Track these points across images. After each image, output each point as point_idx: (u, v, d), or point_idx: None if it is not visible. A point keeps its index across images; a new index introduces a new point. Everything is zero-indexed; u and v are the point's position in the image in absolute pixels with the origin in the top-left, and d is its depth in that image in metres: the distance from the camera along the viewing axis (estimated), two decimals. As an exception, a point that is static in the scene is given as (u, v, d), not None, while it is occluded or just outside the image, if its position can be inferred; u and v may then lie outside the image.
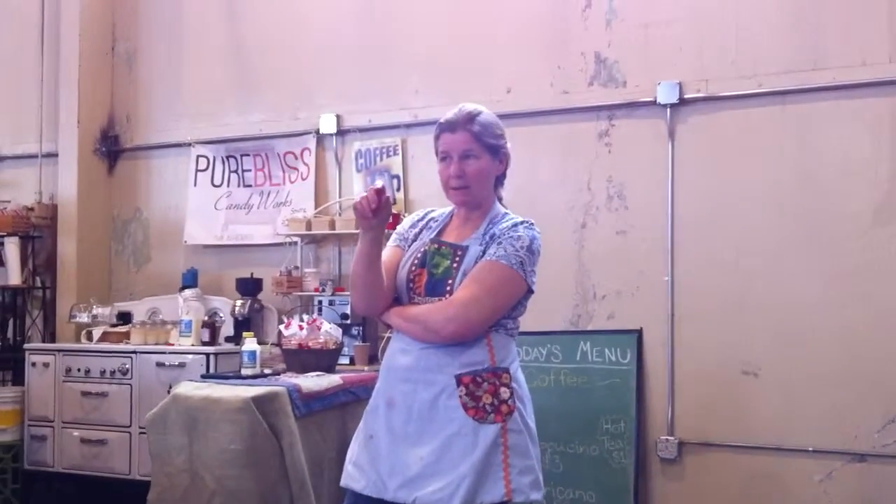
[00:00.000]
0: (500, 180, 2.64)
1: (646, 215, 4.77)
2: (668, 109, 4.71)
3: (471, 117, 2.53)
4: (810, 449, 4.38)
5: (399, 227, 2.72)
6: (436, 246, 2.54)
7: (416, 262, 2.55)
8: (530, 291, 2.51)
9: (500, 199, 2.65)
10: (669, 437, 4.65)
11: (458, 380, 2.42)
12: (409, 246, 2.63)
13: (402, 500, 2.42)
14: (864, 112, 4.35)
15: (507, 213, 2.59)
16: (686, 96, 4.68)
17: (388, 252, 2.61)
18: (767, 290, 4.49)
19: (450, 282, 2.45)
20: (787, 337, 4.43)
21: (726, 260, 4.58)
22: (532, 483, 2.43)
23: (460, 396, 2.41)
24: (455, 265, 2.47)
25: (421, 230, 2.66)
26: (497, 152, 2.57)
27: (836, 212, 4.38)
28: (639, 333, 4.72)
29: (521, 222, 2.53)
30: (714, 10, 4.67)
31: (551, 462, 4.67)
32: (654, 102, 4.74)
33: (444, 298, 2.45)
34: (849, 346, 4.32)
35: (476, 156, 2.52)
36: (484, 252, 2.47)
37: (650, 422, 4.71)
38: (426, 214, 2.72)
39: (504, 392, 2.44)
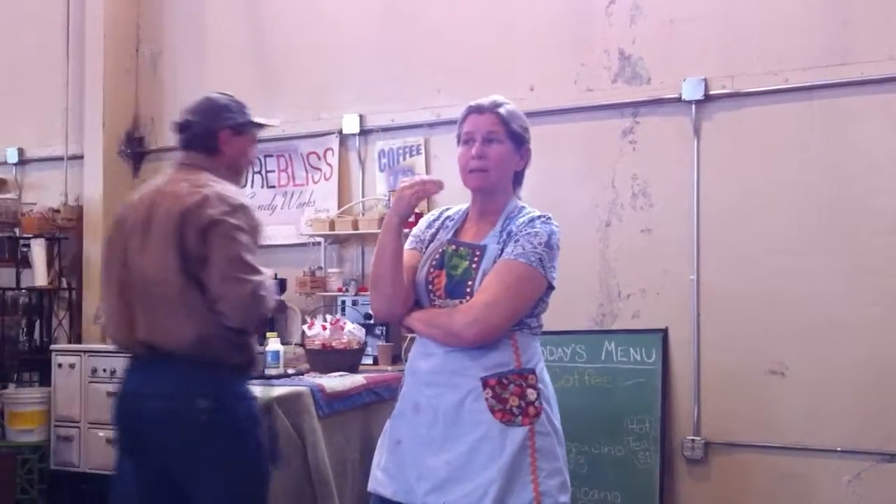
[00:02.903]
0: (518, 178, 2.60)
1: (671, 213, 4.73)
2: (694, 106, 4.66)
3: (499, 104, 2.54)
4: (839, 449, 4.32)
5: (415, 230, 2.69)
6: (453, 247, 2.51)
7: (434, 263, 2.52)
8: (551, 287, 2.49)
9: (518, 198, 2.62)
10: (695, 438, 4.61)
11: (484, 382, 2.39)
12: (426, 247, 2.60)
13: None
14: (892, 107, 4.28)
15: (523, 207, 2.56)
16: (711, 93, 4.63)
17: (405, 255, 2.57)
18: (794, 288, 4.43)
19: (470, 283, 2.42)
20: (814, 335, 4.38)
21: (752, 258, 4.53)
22: (560, 486, 2.41)
23: (486, 399, 2.38)
24: (474, 266, 2.44)
25: (437, 230, 2.63)
26: (521, 144, 2.55)
27: (864, 208, 4.32)
28: (664, 333, 4.68)
29: (539, 217, 2.50)
30: (739, 6, 4.62)
31: (576, 462, 4.63)
32: (678, 99, 4.70)
33: (464, 300, 2.42)
34: (877, 344, 4.26)
35: (500, 140, 2.50)
36: (502, 251, 2.44)
37: (676, 422, 4.67)
38: (441, 213, 2.69)
39: (531, 393, 2.41)
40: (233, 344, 2.83)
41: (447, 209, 2.70)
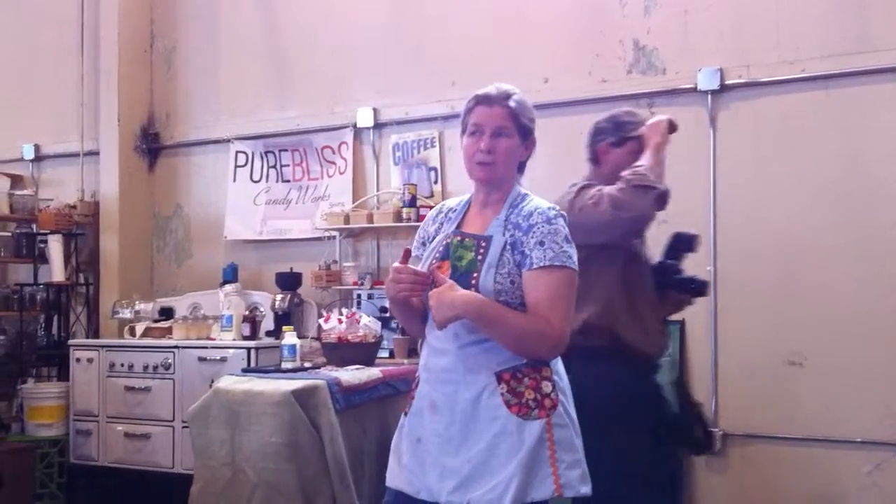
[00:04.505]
0: (521, 166, 2.57)
1: (687, 204, 4.67)
2: (709, 96, 4.64)
3: (509, 94, 2.49)
4: (858, 440, 4.29)
5: (419, 232, 2.66)
6: (458, 238, 2.48)
7: (437, 254, 2.49)
8: None
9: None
10: (713, 429, 4.58)
11: (499, 377, 2.37)
12: (432, 241, 2.57)
13: (458, 503, 2.39)
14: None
15: (526, 195, 2.51)
16: (727, 82, 4.60)
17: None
18: (812, 279, 4.41)
19: (475, 275, 2.39)
20: (832, 326, 4.35)
21: (770, 248, 4.50)
22: (581, 477, 2.39)
23: (502, 394, 2.36)
24: (480, 258, 2.41)
25: (441, 224, 2.60)
26: (527, 136, 2.52)
27: (883, 198, 4.28)
28: (681, 325, 4.66)
29: (551, 211, 2.43)
30: (754, -5, 4.60)
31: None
32: (694, 89, 4.67)
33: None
34: (896, 334, 4.24)
35: (508, 134, 2.46)
36: (511, 244, 2.40)
37: (694, 414, 4.64)
38: (442, 207, 2.66)
39: (546, 386, 2.39)
40: None
41: (447, 202, 2.67)
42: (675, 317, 4.58)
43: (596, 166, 3.27)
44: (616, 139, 3.22)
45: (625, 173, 3.05)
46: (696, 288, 3.26)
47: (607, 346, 3.02)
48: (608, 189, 3.03)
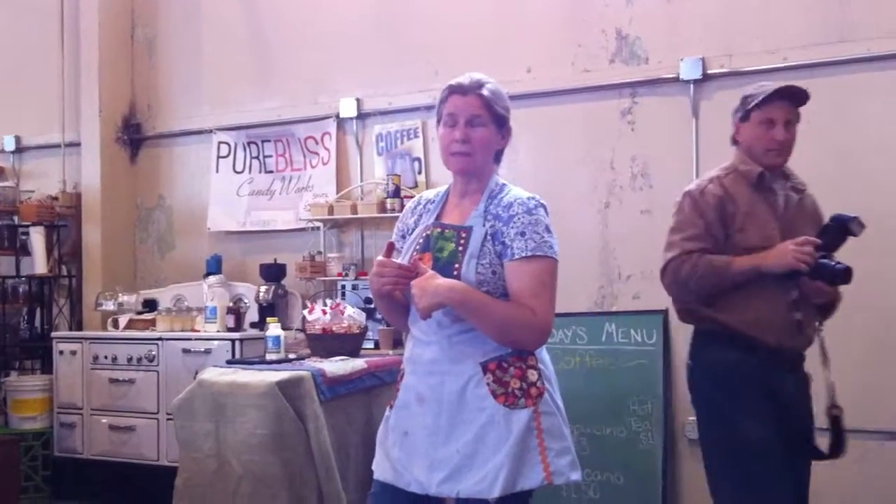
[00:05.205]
0: (498, 156, 2.57)
1: (671, 194, 4.58)
2: (692, 86, 4.65)
3: (482, 83, 2.48)
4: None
5: (398, 224, 2.67)
6: (439, 229, 2.48)
7: (418, 247, 2.49)
8: None
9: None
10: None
11: (484, 367, 2.38)
12: (411, 233, 2.57)
13: (447, 494, 2.40)
14: (891, 84, 4.26)
15: (504, 185, 2.51)
16: (709, 72, 4.62)
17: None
18: (795, 268, 4.42)
19: (456, 266, 2.39)
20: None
21: (753, 237, 4.51)
22: (570, 464, 2.40)
23: (488, 384, 2.37)
24: (461, 249, 2.41)
25: (420, 216, 2.60)
26: (503, 124, 2.51)
27: (869, 187, 4.29)
28: (664, 314, 4.67)
29: (531, 201, 2.43)
30: (737, -16, 4.61)
31: (578, 444, 4.63)
32: (677, 79, 4.68)
33: None
34: (886, 324, 4.27)
35: (483, 123, 2.46)
36: (492, 235, 2.40)
37: (678, 403, 4.67)
38: (420, 198, 2.66)
39: (532, 374, 2.40)
40: None
41: (426, 193, 2.67)
42: (659, 307, 4.66)
43: (735, 146, 3.20)
44: (742, 114, 3.14)
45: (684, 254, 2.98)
46: (829, 275, 2.92)
47: (708, 329, 3.06)
48: (675, 242, 3.03)
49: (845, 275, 2.93)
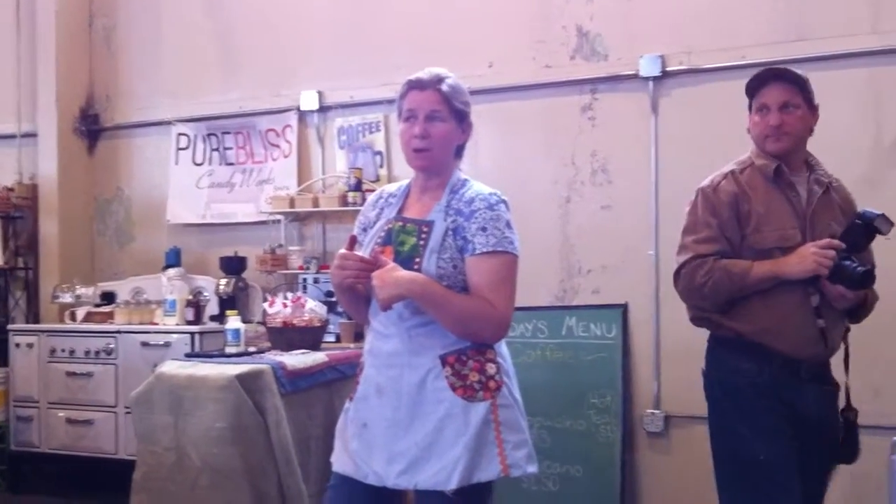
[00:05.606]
0: (459, 151, 2.58)
1: (630, 189, 4.76)
2: (651, 83, 4.69)
3: (441, 78, 2.49)
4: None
5: (359, 217, 2.67)
6: (400, 223, 2.49)
7: (379, 241, 2.50)
8: None
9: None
10: (656, 411, 4.67)
11: (444, 360, 2.39)
12: (373, 227, 2.58)
13: (405, 486, 2.42)
14: (848, 83, 4.33)
15: (466, 180, 2.52)
16: (668, 69, 4.67)
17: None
18: (751, 263, 4.48)
19: (417, 260, 2.40)
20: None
21: (710, 233, 4.57)
22: (527, 456, 2.43)
23: (447, 377, 2.38)
24: (422, 243, 2.42)
25: (381, 209, 2.60)
26: (463, 119, 2.52)
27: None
28: (624, 308, 4.73)
29: (493, 197, 2.45)
30: (696, -18, 4.65)
31: (539, 437, 4.68)
32: (636, 76, 4.73)
33: None
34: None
35: (443, 119, 2.47)
36: (453, 230, 2.41)
37: (636, 396, 4.72)
38: (382, 192, 2.67)
39: (490, 368, 2.42)
40: None
41: (387, 187, 2.68)
42: (618, 301, 4.70)
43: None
44: (749, 105, 3.00)
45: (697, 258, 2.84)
46: (848, 279, 2.69)
47: (722, 336, 2.91)
48: (688, 244, 2.91)
49: (863, 278, 2.69)
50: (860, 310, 2.88)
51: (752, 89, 2.96)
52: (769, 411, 2.78)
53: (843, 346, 2.88)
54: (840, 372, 2.89)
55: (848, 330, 2.89)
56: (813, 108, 2.96)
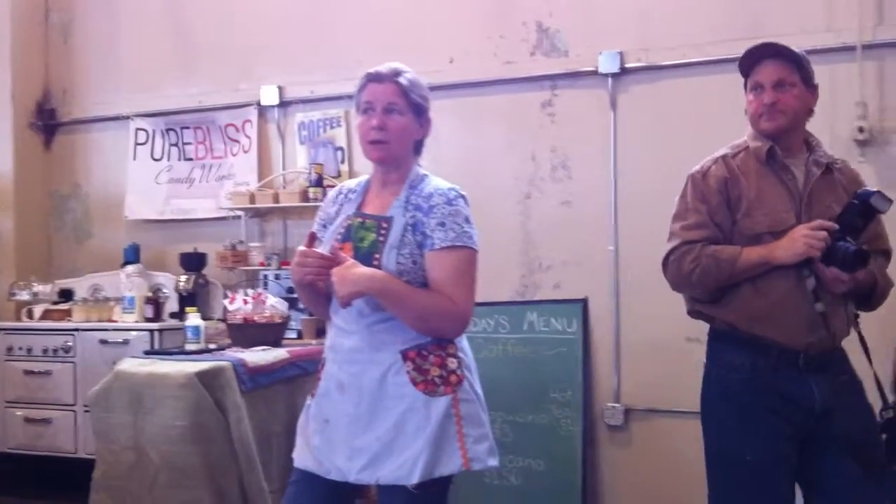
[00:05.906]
0: (418, 147, 2.59)
1: (590, 185, 4.79)
2: (610, 79, 4.72)
3: (399, 72, 2.51)
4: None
5: (319, 213, 2.68)
6: (360, 219, 2.50)
7: (339, 237, 2.50)
8: None
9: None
10: (616, 405, 4.71)
11: (404, 355, 2.41)
12: (332, 223, 2.59)
13: (367, 482, 2.43)
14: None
15: (426, 176, 2.54)
16: (627, 66, 4.70)
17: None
18: (710, 257, 4.53)
19: (377, 256, 2.41)
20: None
21: (669, 228, 4.60)
22: (488, 450, 2.45)
23: (408, 372, 2.39)
24: (381, 239, 2.43)
25: (341, 205, 2.61)
26: (421, 113, 2.54)
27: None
28: (584, 303, 4.76)
29: (451, 192, 2.47)
30: (655, -21, 4.69)
31: (501, 431, 4.70)
32: (595, 72, 4.75)
33: None
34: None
35: (400, 111, 2.48)
36: (412, 225, 2.42)
37: (597, 390, 4.76)
38: (342, 188, 2.68)
39: (451, 362, 2.43)
40: None
41: (347, 182, 2.69)
42: (579, 295, 4.73)
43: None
44: (744, 85, 2.88)
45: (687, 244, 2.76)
46: (840, 259, 2.57)
47: (717, 328, 2.83)
48: (676, 231, 2.84)
49: (855, 258, 2.55)
50: (871, 297, 2.76)
51: (747, 67, 2.84)
52: (764, 409, 2.66)
53: (859, 337, 2.75)
54: (854, 365, 2.77)
55: (857, 317, 2.77)
56: (811, 88, 2.83)
